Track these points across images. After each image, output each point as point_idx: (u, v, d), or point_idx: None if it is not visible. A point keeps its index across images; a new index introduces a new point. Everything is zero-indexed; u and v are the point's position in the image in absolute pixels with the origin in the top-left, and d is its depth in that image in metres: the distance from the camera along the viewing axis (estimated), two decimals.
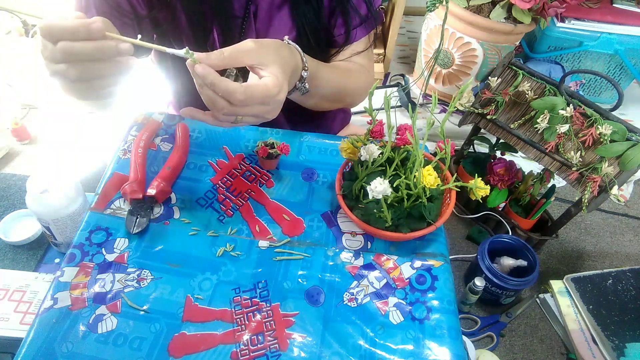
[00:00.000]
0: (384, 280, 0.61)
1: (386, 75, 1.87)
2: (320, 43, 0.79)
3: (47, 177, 0.73)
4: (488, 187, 0.59)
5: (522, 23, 1.48)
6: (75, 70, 0.47)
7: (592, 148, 1.07)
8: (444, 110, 1.78)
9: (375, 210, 0.61)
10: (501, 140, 1.29)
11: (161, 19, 0.72)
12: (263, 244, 0.63)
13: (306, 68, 0.63)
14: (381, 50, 1.78)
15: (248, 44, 0.52)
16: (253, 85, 0.51)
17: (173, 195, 0.67)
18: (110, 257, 0.60)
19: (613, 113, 1.07)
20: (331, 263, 0.62)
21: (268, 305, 0.57)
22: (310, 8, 0.73)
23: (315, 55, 0.79)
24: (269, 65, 0.53)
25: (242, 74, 0.57)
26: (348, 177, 0.66)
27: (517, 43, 1.62)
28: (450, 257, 0.74)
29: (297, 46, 0.62)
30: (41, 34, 0.48)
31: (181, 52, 0.50)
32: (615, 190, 1.04)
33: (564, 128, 1.08)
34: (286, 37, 0.62)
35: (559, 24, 1.65)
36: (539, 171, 1.31)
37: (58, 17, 0.47)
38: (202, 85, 0.50)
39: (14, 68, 1.72)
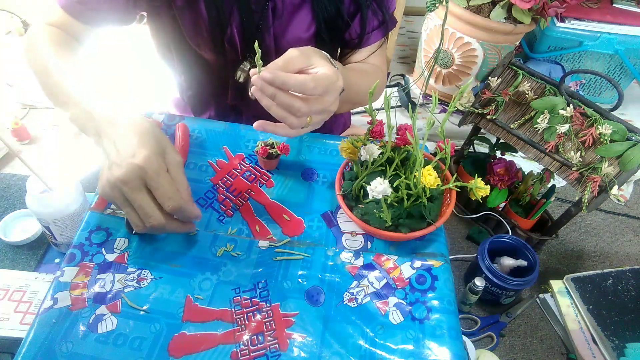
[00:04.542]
0: (384, 280, 0.61)
1: (386, 76, 1.87)
2: (337, 41, 0.80)
3: (47, 177, 0.73)
4: (488, 187, 0.59)
5: (522, 23, 1.48)
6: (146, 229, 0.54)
7: (592, 148, 1.07)
8: (444, 110, 1.78)
9: (375, 210, 0.61)
10: (501, 140, 1.29)
11: (177, 5, 0.72)
12: (263, 244, 0.63)
13: (337, 69, 0.64)
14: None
15: (293, 51, 0.55)
16: (316, 75, 0.55)
17: None
18: (110, 257, 0.60)
19: (613, 113, 1.07)
20: (331, 263, 0.62)
21: (268, 305, 0.57)
22: (332, 2, 0.74)
23: (332, 54, 0.79)
24: (317, 62, 0.56)
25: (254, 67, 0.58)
26: (348, 177, 0.66)
27: (517, 43, 1.62)
28: (450, 257, 0.74)
29: (323, 51, 0.64)
30: (148, 216, 0.52)
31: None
32: (615, 190, 1.04)
33: (564, 128, 1.08)
34: (310, 46, 0.63)
35: (559, 24, 1.65)
36: (539, 171, 1.31)
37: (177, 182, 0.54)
38: (273, 95, 0.53)
39: (14, 68, 1.72)
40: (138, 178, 0.51)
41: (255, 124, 0.58)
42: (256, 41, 0.54)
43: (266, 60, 0.55)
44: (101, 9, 0.68)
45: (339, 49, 0.86)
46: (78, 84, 0.60)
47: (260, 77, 0.52)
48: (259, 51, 0.52)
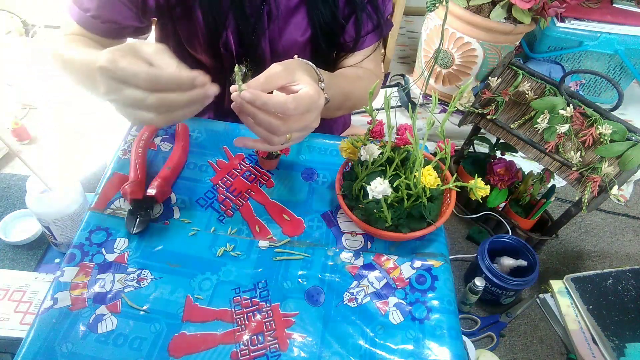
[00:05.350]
0: (384, 280, 0.61)
1: (386, 75, 1.87)
2: (332, 46, 0.80)
3: (47, 177, 0.74)
4: (488, 187, 0.59)
5: (522, 23, 1.48)
6: (164, 118, 0.48)
7: (592, 148, 1.07)
8: (444, 110, 1.78)
9: (375, 210, 0.61)
10: (501, 140, 1.29)
11: (176, 14, 0.72)
12: (263, 244, 0.63)
13: (322, 79, 0.64)
14: (381, 50, 1.78)
15: (276, 67, 0.55)
16: (297, 94, 0.54)
17: (173, 195, 0.67)
18: (110, 257, 0.60)
19: (613, 113, 1.07)
20: (331, 263, 0.62)
21: (268, 305, 0.57)
22: (327, 6, 0.74)
23: (327, 58, 0.77)
24: (300, 79, 0.56)
25: (251, 73, 0.58)
26: (348, 177, 0.66)
27: (517, 43, 1.62)
28: (450, 257, 0.74)
29: (308, 62, 0.63)
30: (137, 81, 0.46)
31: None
32: (615, 190, 1.04)
33: (564, 128, 1.08)
34: (295, 56, 0.63)
35: (559, 24, 1.65)
36: (539, 171, 1.31)
37: (159, 68, 0.47)
38: (255, 114, 0.52)
39: (14, 68, 1.72)
40: (109, 79, 0.47)
41: (235, 141, 0.57)
42: (237, 65, 0.53)
43: (261, 65, 0.55)
44: (115, 19, 0.69)
45: (334, 53, 0.86)
46: (91, 52, 0.63)
47: (240, 97, 0.51)
48: (239, 74, 0.51)
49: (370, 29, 0.79)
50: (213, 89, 0.49)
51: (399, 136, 0.64)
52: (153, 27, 0.81)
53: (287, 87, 0.56)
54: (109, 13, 0.68)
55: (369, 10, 0.77)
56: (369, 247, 0.64)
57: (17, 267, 0.92)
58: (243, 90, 0.51)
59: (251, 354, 0.53)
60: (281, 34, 0.75)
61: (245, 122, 0.54)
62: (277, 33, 0.75)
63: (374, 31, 0.79)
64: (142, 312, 0.55)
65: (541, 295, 1.26)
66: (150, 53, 0.48)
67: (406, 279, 0.61)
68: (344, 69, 0.82)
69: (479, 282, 1.14)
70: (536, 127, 1.13)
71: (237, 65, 0.52)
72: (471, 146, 1.42)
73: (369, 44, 0.81)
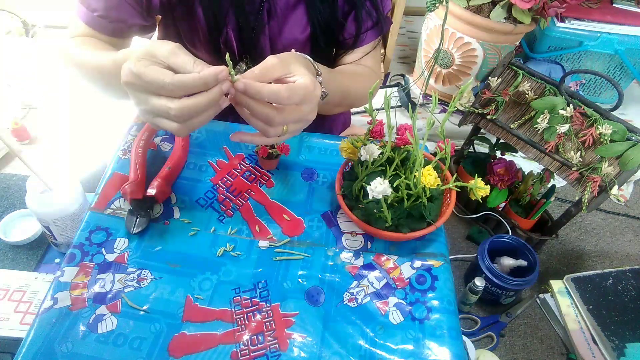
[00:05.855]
0: (384, 280, 0.61)
1: (386, 75, 1.87)
2: (331, 43, 0.80)
3: (47, 177, 0.73)
4: (488, 187, 0.59)
5: (522, 23, 1.48)
6: (186, 126, 0.50)
7: (592, 148, 1.07)
8: (444, 110, 1.78)
9: (375, 210, 0.61)
10: (501, 140, 1.29)
11: (177, 13, 0.72)
12: (263, 244, 0.63)
13: (319, 73, 0.64)
14: (381, 50, 1.78)
15: (271, 59, 0.54)
16: (292, 84, 0.53)
17: (173, 195, 0.67)
18: (110, 257, 0.60)
19: (613, 113, 1.07)
20: (331, 263, 0.62)
21: (268, 305, 0.57)
22: (327, 3, 0.74)
23: (327, 55, 0.76)
24: (296, 71, 0.55)
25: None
26: (348, 177, 0.66)
27: (517, 43, 1.62)
28: (450, 257, 0.74)
29: (306, 56, 0.63)
30: (164, 91, 0.48)
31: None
32: (615, 190, 1.04)
33: (564, 128, 1.08)
34: (293, 50, 0.62)
35: (559, 24, 1.65)
36: (539, 171, 1.31)
37: (178, 68, 0.49)
38: (249, 104, 0.52)
39: (14, 68, 1.72)
40: (135, 92, 0.50)
41: (231, 136, 0.57)
42: (227, 53, 0.52)
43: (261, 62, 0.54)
44: (122, 18, 0.70)
45: (334, 51, 0.86)
46: (109, 56, 0.64)
47: (233, 87, 0.51)
48: (230, 63, 0.50)
49: (369, 26, 0.79)
50: (226, 84, 0.50)
51: (399, 136, 0.64)
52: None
53: (283, 79, 0.55)
54: (116, 12, 0.69)
55: (368, 7, 0.77)
56: (369, 247, 0.64)
57: (17, 267, 0.92)
58: (236, 81, 0.50)
59: (251, 354, 0.53)
60: (281, 32, 0.76)
61: (242, 114, 0.54)
62: (276, 30, 0.75)
63: (373, 28, 0.79)
64: (142, 312, 0.55)
65: (541, 295, 1.26)
66: (166, 55, 0.49)
67: (406, 279, 0.61)
68: (343, 65, 0.82)
69: (479, 282, 1.14)
70: (536, 127, 1.13)
71: (227, 54, 0.51)
72: (471, 146, 1.42)
73: (369, 41, 0.81)
